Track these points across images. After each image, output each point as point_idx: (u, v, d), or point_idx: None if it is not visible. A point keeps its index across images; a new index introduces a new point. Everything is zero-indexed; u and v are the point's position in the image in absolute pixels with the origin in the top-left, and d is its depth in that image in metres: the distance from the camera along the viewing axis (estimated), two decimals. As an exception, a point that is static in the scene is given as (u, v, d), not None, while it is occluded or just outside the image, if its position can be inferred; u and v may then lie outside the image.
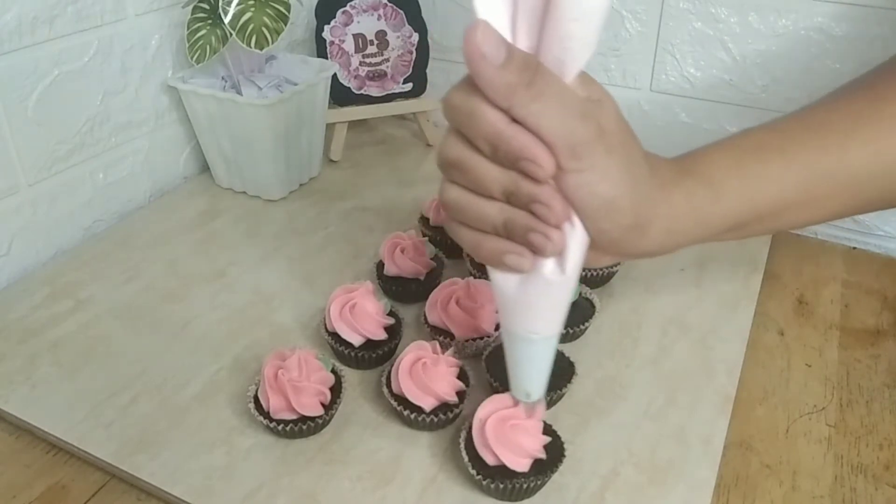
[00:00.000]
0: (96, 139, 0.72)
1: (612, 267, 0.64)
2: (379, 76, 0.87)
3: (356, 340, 0.54)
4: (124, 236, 0.72)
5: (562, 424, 0.48)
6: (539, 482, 0.45)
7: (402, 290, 0.62)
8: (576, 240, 0.37)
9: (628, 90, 0.84)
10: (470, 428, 0.46)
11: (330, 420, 0.50)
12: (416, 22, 0.87)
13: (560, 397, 0.52)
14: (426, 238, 0.66)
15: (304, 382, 0.48)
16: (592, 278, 0.63)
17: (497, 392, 0.51)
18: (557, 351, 0.53)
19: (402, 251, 0.61)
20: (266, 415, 0.49)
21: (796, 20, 0.73)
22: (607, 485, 0.47)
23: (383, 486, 0.47)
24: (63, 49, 0.67)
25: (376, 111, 0.87)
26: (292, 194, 0.80)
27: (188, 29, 0.72)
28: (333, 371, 0.52)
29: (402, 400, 0.50)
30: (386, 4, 0.85)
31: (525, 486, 0.45)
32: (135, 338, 0.59)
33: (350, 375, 0.54)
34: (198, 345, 0.58)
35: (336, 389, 0.51)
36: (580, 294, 0.59)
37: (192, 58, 0.72)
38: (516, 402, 0.45)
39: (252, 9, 0.70)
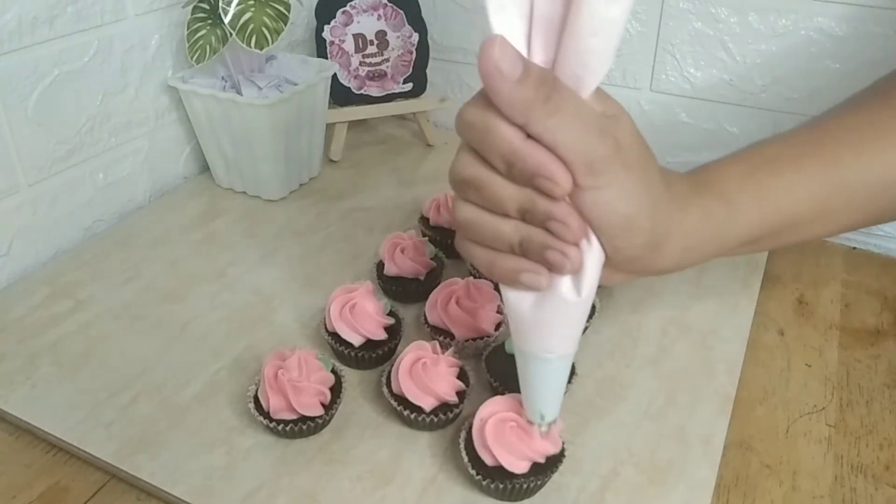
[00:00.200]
0: (96, 139, 0.72)
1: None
2: (379, 76, 0.87)
3: (356, 340, 0.54)
4: (124, 236, 0.72)
5: (562, 424, 0.48)
6: (539, 482, 0.45)
7: (402, 290, 0.62)
8: (592, 258, 0.37)
9: (628, 90, 0.84)
10: (470, 428, 0.46)
11: (330, 420, 0.50)
12: (416, 22, 0.87)
13: (560, 397, 0.52)
14: (426, 238, 0.66)
15: (304, 382, 0.48)
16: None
17: (497, 392, 0.51)
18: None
19: (402, 251, 0.61)
20: (266, 415, 0.49)
21: (796, 20, 0.73)
22: (607, 485, 0.47)
23: (383, 486, 0.47)
24: (63, 49, 0.67)
25: (376, 111, 0.87)
26: (292, 194, 0.80)
27: (188, 29, 0.72)
28: (333, 371, 0.52)
29: (402, 400, 0.49)
30: (386, 4, 0.85)
31: (525, 486, 0.45)
32: (135, 338, 0.59)
33: (350, 375, 0.54)
34: (198, 345, 0.58)
35: (336, 389, 0.51)
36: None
37: (192, 58, 0.72)
38: (532, 424, 0.43)
39: (252, 9, 0.70)
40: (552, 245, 0.36)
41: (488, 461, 0.45)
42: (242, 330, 0.60)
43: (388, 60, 0.87)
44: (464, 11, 0.90)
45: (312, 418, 0.49)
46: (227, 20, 0.69)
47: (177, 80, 0.75)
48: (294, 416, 0.48)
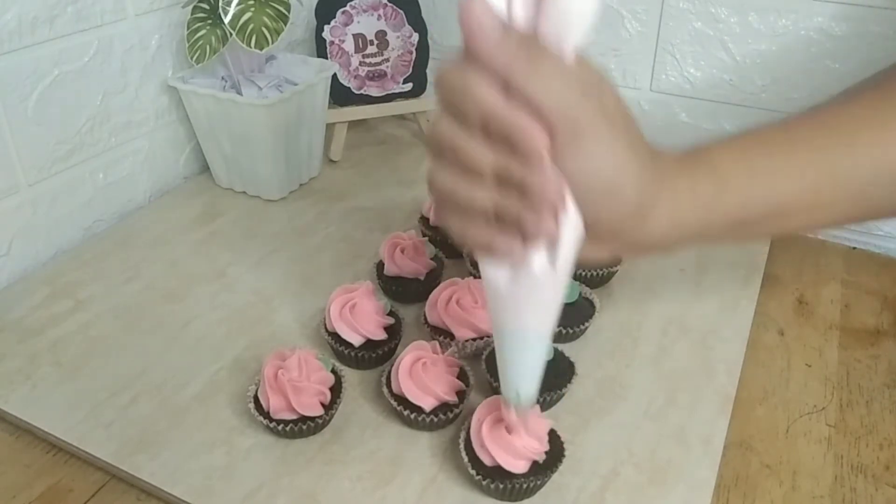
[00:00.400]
0: (96, 139, 0.72)
1: (612, 267, 0.64)
2: (379, 76, 0.87)
3: (356, 340, 0.54)
4: (124, 236, 0.72)
5: (562, 424, 0.48)
6: (539, 482, 0.45)
7: (402, 290, 0.62)
8: (568, 232, 0.36)
9: (628, 90, 0.84)
10: (469, 428, 0.46)
11: (330, 420, 0.50)
12: (416, 22, 0.87)
13: (560, 397, 0.52)
14: (426, 238, 0.66)
15: (304, 382, 0.48)
16: (592, 278, 0.63)
17: (497, 392, 0.51)
18: (557, 351, 0.53)
19: (402, 251, 0.61)
20: (266, 415, 0.49)
21: (796, 20, 0.73)
22: (607, 485, 0.47)
23: (383, 486, 0.47)
24: (63, 49, 0.67)
25: (376, 111, 0.87)
26: (292, 194, 0.80)
27: (188, 29, 0.72)
28: (333, 371, 0.52)
29: (402, 400, 0.50)
30: (386, 4, 0.85)
31: (525, 486, 0.45)
32: (135, 338, 0.59)
33: (350, 375, 0.54)
34: (198, 345, 0.58)
35: (336, 389, 0.51)
36: (580, 294, 0.59)
37: (192, 58, 0.72)
38: (507, 406, 0.43)
39: (252, 9, 0.70)
40: (527, 213, 0.35)
41: (487, 461, 0.45)
42: (242, 330, 0.60)
43: (388, 60, 0.87)
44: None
45: (312, 418, 0.49)
46: (227, 20, 0.69)
47: (177, 80, 0.75)
48: (294, 416, 0.48)
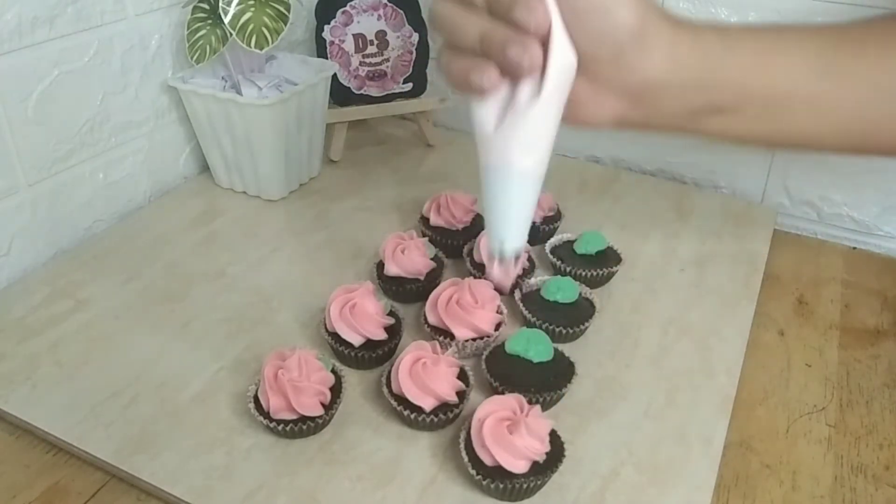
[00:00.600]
0: (96, 139, 0.72)
1: (612, 267, 0.64)
2: (379, 76, 0.87)
3: (356, 340, 0.54)
4: (124, 236, 0.72)
5: (562, 424, 0.48)
6: (539, 482, 0.45)
7: (402, 290, 0.62)
8: (556, 62, 0.35)
9: (628, 90, 0.84)
10: (469, 428, 0.46)
11: (330, 420, 0.50)
12: (416, 22, 0.87)
13: (560, 397, 0.52)
14: (426, 238, 0.66)
15: (304, 382, 0.48)
16: (592, 278, 0.63)
17: (497, 392, 0.51)
18: (557, 351, 0.53)
19: (403, 251, 0.61)
20: (266, 415, 0.49)
21: (796, 20, 0.73)
22: (607, 485, 0.47)
23: (383, 486, 0.47)
24: (63, 49, 0.67)
25: (376, 111, 0.87)
26: (292, 194, 0.80)
27: (188, 29, 0.72)
28: (333, 371, 0.52)
29: (402, 400, 0.50)
30: (386, 4, 0.85)
31: (525, 486, 0.45)
32: (135, 338, 0.59)
33: (350, 375, 0.54)
34: (198, 345, 0.58)
35: (336, 389, 0.51)
36: (580, 294, 0.59)
37: (192, 58, 0.72)
38: (491, 260, 0.42)
39: (252, 9, 0.70)
40: (512, 38, 0.34)
41: (487, 461, 0.45)
42: (242, 330, 0.60)
43: (388, 60, 0.87)
44: None
45: (312, 418, 0.49)
46: (227, 20, 0.69)
47: (177, 80, 0.75)
48: (294, 416, 0.48)
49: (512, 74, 0.36)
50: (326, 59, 0.84)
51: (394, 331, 0.56)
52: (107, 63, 0.71)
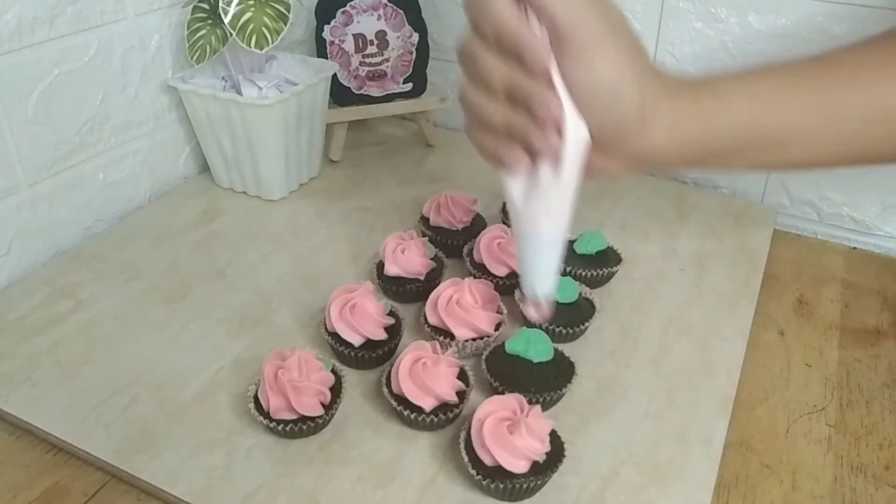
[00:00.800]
0: (96, 139, 0.72)
1: (612, 267, 0.64)
2: (379, 76, 0.87)
3: (356, 340, 0.54)
4: (124, 236, 0.72)
5: (562, 424, 0.48)
6: (539, 482, 0.45)
7: (402, 290, 0.62)
8: (572, 140, 0.39)
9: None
10: (469, 428, 0.46)
11: (330, 420, 0.50)
12: (416, 22, 0.87)
13: (560, 397, 0.52)
14: (426, 238, 0.66)
15: (304, 382, 0.48)
16: (592, 278, 0.63)
17: (497, 392, 0.51)
18: (557, 351, 0.53)
19: (403, 251, 0.61)
20: (266, 415, 0.49)
21: (796, 20, 0.73)
22: (607, 485, 0.47)
23: (383, 486, 0.47)
24: (63, 49, 0.67)
25: (376, 111, 0.87)
26: (292, 194, 0.80)
27: (188, 29, 0.72)
28: (333, 371, 0.52)
29: (402, 400, 0.50)
30: (386, 4, 0.85)
31: (525, 486, 0.45)
32: (135, 338, 0.59)
33: (350, 375, 0.54)
34: (198, 345, 0.58)
35: (336, 389, 0.51)
36: (580, 294, 0.59)
37: (192, 58, 0.72)
38: (527, 303, 0.48)
39: (252, 9, 0.70)
40: (533, 129, 0.39)
41: (487, 461, 0.45)
42: (242, 330, 0.60)
43: (388, 60, 0.87)
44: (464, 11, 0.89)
45: (312, 418, 0.49)
46: (227, 20, 0.69)
47: (177, 80, 0.75)
48: (294, 416, 0.48)
49: (534, 157, 0.41)
50: (326, 59, 0.84)
51: (394, 331, 0.56)
52: (107, 63, 0.71)
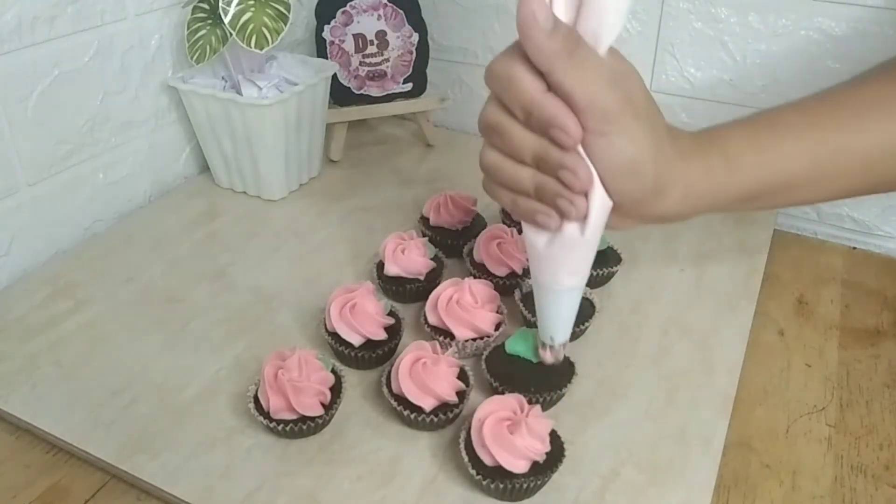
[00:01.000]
0: (96, 139, 0.72)
1: (612, 267, 0.64)
2: (379, 76, 0.87)
3: (356, 340, 0.54)
4: (124, 236, 0.72)
5: (562, 424, 0.48)
6: (539, 482, 0.45)
7: (402, 290, 0.62)
8: (597, 204, 0.41)
9: (628, 90, 0.84)
10: (469, 428, 0.46)
11: (330, 420, 0.50)
12: (416, 22, 0.87)
13: (560, 397, 0.52)
14: (426, 238, 0.66)
15: (304, 382, 0.48)
16: (592, 278, 0.63)
17: (497, 392, 0.51)
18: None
19: (403, 251, 0.61)
20: (266, 415, 0.49)
21: (796, 20, 0.73)
22: (607, 485, 0.47)
23: (383, 486, 0.47)
24: (63, 49, 0.67)
25: (376, 111, 0.87)
26: (292, 194, 0.80)
27: (188, 29, 0.72)
28: (333, 371, 0.52)
29: (402, 400, 0.49)
30: (386, 4, 0.85)
31: (525, 486, 0.45)
32: (135, 338, 0.59)
33: (350, 375, 0.54)
34: (198, 345, 0.58)
35: (336, 389, 0.51)
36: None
37: (192, 58, 0.72)
38: (544, 348, 0.49)
39: (252, 9, 0.70)
40: (562, 193, 0.40)
41: (487, 461, 0.45)
42: (242, 330, 0.60)
43: (388, 60, 0.87)
44: (464, 11, 0.90)
45: (312, 418, 0.49)
46: (227, 20, 0.69)
47: (177, 80, 0.75)
48: (294, 416, 0.48)
49: (561, 216, 0.42)
50: (326, 59, 0.84)
51: (394, 331, 0.56)
52: (107, 63, 0.71)
